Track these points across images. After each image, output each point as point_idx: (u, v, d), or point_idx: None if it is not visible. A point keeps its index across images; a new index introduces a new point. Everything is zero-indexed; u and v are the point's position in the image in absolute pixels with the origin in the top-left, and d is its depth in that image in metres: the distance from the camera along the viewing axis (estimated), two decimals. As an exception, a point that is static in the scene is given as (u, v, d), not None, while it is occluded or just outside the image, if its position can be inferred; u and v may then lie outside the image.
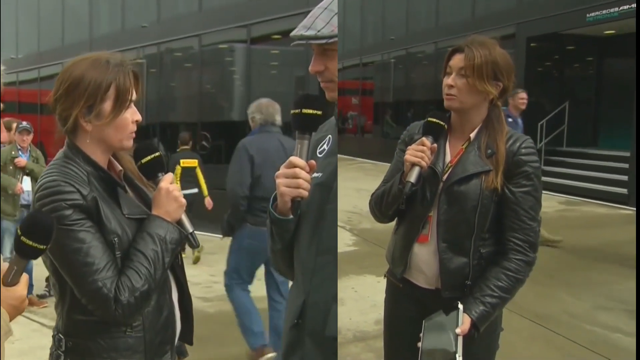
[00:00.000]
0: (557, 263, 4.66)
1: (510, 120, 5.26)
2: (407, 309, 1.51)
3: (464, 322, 1.30)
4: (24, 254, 0.87)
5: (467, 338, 1.30)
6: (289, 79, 7.38)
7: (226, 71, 8.14)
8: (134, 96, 1.11)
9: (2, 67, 0.94)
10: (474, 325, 1.32)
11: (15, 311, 0.89)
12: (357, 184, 7.84)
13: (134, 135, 1.12)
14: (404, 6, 14.38)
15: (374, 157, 13.52)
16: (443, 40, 12.13)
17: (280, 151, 2.82)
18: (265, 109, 2.96)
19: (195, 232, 1.14)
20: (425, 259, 1.44)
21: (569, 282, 4.32)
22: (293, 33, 1.12)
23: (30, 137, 4.10)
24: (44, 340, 2.89)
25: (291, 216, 1.12)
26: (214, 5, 8.03)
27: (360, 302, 3.83)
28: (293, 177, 1.07)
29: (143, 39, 9.06)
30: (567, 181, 8.79)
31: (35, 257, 0.89)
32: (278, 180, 1.09)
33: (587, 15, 9.00)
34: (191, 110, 7.80)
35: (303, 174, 1.07)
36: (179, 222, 1.11)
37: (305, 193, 1.07)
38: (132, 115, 1.11)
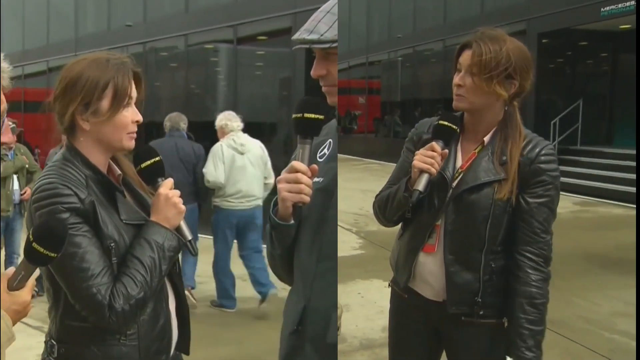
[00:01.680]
0: (572, 266, 4.55)
1: None
2: (413, 321, 1.46)
3: None
4: (34, 260, 0.87)
5: None
6: (273, 80, 7.44)
7: (211, 71, 8.22)
8: (134, 94, 1.11)
9: (6, 65, 0.95)
10: None
11: (19, 316, 0.90)
12: (364, 185, 7.78)
13: (134, 135, 1.12)
14: (410, 3, 14.32)
15: (380, 157, 13.45)
16: (451, 37, 12.04)
17: (173, 150, 3.77)
18: (174, 119, 3.98)
19: (194, 239, 1.13)
20: (431, 270, 1.37)
21: (584, 286, 4.22)
22: (295, 36, 1.11)
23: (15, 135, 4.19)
24: (30, 340, 2.76)
25: (292, 221, 1.12)
26: (200, 5, 8.11)
27: (367, 308, 3.76)
28: (295, 182, 1.07)
29: (129, 38, 9.16)
30: (582, 181, 8.66)
31: (45, 264, 0.89)
32: (280, 185, 1.09)
33: (602, 9, 8.87)
34: (176, 110, 7.88)
35: (305, 178, 1.07)
36: (178, 229, 1.11)
37: (307, 198, 1.08)
38: (132, 115, 1.11)
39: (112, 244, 1.04)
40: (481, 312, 1.33)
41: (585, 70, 10.96)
